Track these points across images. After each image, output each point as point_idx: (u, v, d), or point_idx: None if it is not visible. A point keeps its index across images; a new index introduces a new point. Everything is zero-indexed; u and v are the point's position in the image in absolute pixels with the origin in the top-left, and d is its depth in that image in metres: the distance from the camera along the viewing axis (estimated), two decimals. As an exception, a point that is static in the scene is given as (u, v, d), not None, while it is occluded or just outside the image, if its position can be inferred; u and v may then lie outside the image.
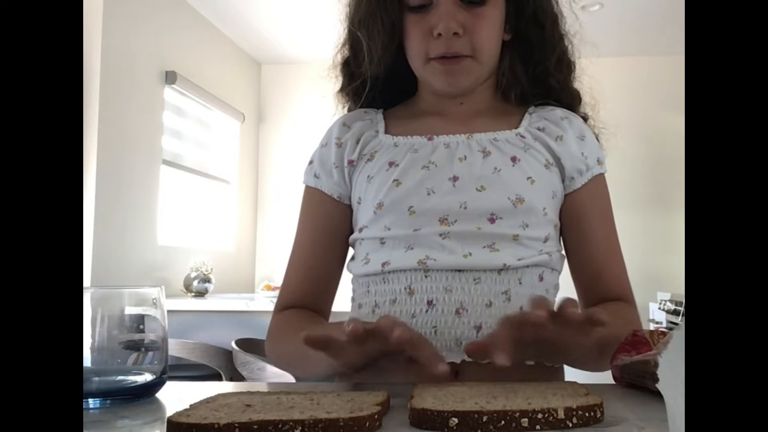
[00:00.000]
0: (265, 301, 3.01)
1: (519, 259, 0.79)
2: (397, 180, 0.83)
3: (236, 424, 0.46)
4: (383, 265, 0.81)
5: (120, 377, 0.61)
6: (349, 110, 0.95)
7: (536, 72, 0.90)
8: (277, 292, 3.83)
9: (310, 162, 0.92)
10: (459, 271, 0.79)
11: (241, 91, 4.26)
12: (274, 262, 4.24)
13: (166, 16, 3.33)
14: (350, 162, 0.88)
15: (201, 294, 3.20)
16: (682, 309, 3.35)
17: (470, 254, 0.79)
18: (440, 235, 0.80)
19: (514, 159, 0.83)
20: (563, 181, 0.86)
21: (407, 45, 0.85)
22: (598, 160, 0.88)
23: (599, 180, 0.88)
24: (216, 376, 2.50)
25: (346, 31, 0.91)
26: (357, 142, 0.88)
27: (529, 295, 0.79)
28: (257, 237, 4.45)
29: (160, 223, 3.21)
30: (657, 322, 3.58)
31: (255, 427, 0.46)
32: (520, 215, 0.80)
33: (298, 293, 0.89)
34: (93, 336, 0.59)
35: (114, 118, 2.84)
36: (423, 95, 0.92)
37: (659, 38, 3.95)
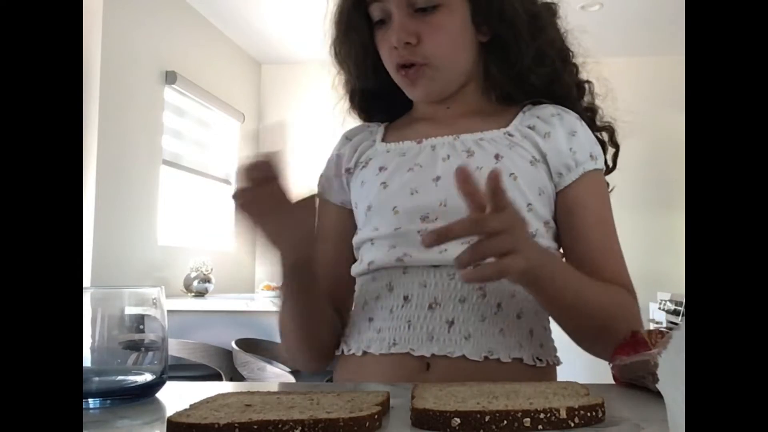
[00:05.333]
0: (265, 301, 3.00)
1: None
2: (384, 183, 0.87)
3: (236, 424, 0.46)
4: (369, 264, 0.86)
5: (120, 377, 0.61)
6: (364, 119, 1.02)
7: (514, 71, 0.88)
8: (277, 293, 3.82)
9: (320, 176, 0.99)
10: (435, 267, 0.81)
11: (241, 91, 4.26)
12: (274, 262, 4.23)
13: (166, 16, 3.33)
14: (347, 170, 0.94)
15: (201, 294, 3.19)
16: (682, 309, 3.35)
17: (446, 250, 0.78)
18: (419, 232, 0.81)
19: (497, 156, 0.83)
20: (551, 178, 0.84)
21: (383, 59, 0.89)
22: (591, 156, 0.85)
23: (593, 176, 0.85)
24: (216, 376, 2.50)
25: (332, 57, 0.97)
26: (355, 152, 0.94)
27: (507, 290, 0.79)
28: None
29: (160, 223, 3.21)
30: (657, 322, 3.58)
31: (255, 427, 0.47)
32: None
33: None
34: (93, 336, 0.59)
35: (114, 118, 2.84)
36: (416, 104, 0.96)
37: (659, 38, 3.95)
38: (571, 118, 0.87)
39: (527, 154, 0.84)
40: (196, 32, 3.67)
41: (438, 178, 0.84)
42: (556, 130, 0.85)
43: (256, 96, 4.48)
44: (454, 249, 0.78)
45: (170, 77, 3.27)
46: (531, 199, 0.82)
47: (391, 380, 0.75)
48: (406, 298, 0.81)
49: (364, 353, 0.82)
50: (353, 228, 0.94)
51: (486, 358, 0.77)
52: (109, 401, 0.58)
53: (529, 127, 0.86)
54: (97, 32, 2.75)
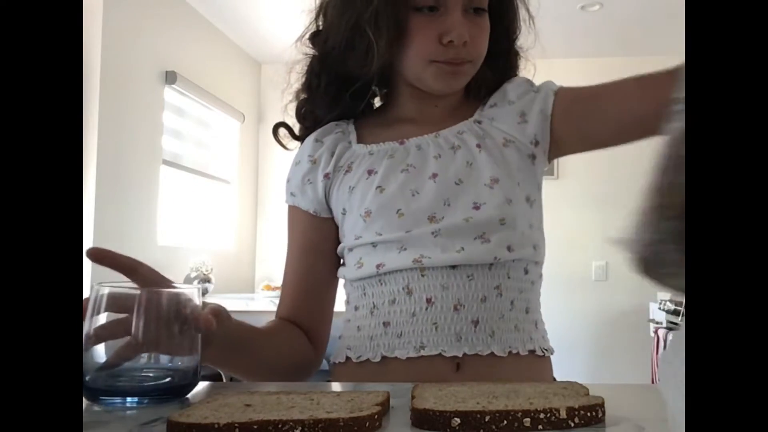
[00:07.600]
0: (265, 301, 3.01)
1: (508, 247, 0.82)
2: (380, 186, 0.85)
3: (236, 424, 0.46)
4: (378, 267, 0.83)
5: (155, 375, 0.61)
6: (318, 118, 0.96)
7: (501, 79, 0.94)
8: (277, 292, 3.87)
9: (288, 180, 0.95)
10: (453, 267, 0.81)
11: (241, 91, 4.26)
12: (274, 262, 4.24)
13: (166, 16, 3.33)
14: (326, 176, 0.90)
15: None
16: (682, 309, 3.35)
17: (463, 249, 0.81)
18: (432, 233, 0.82)
19: (479, 146, 0.86)
20: (535, 130, 0.87)
21: (409, 45, 0.85)
22: (546, 86, 0.90)
23: (563, 89, 0.90)
24: (216, 376, 2.50)
25: (347, 29, 0.87)
26: (332, 156, 0.91)
27: (516, 287, 0.84)
28: (257, 237, 4.45)
29: (160, 223, 3.21)
30: (657, 322, 3.58)
31: (255, 427, 0.47)
32: (500, 192, 0.83)
33: (290, 306, 0.93)
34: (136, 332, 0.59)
35: (114, 118, 2.84)
36: (400, 101, 0.94)
37: (659, 38, 3.95)
38: (514, 79, 0.94)
39: (499, 136, 0.88)
40: (196, 32, 3.67)
41: (435, 176, 0.84)
42: (505, 89, 0.91)
43: (256, 96, 4.49)
44: (472, 248, 0.82)
45: (170, 77, 3.27)
46: (519, 178, 0.86)
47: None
48: (429, 301, 0.81)
49: (384, 358, 0.82)
50: (327, 236, 0.91)
51: (509, 353, 0.80)
52: (146, 400, 0.58)
53: (491, 106, 0.91)
54: (97, 32, 2.75)
